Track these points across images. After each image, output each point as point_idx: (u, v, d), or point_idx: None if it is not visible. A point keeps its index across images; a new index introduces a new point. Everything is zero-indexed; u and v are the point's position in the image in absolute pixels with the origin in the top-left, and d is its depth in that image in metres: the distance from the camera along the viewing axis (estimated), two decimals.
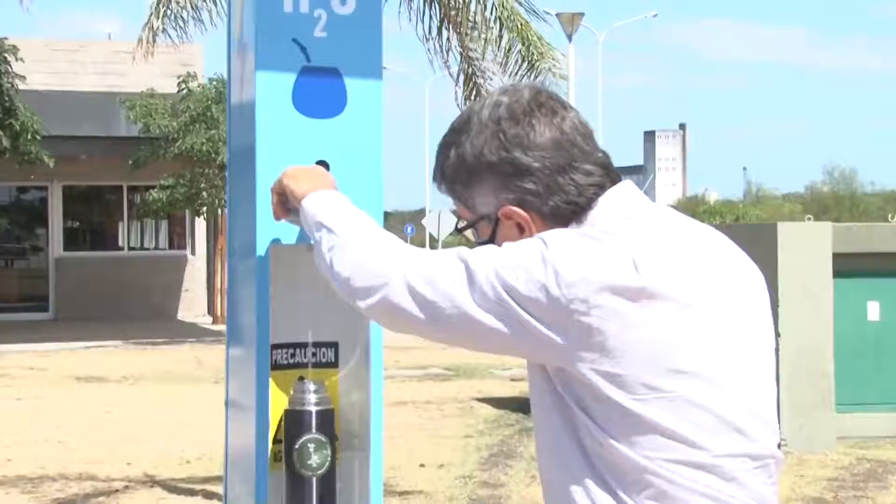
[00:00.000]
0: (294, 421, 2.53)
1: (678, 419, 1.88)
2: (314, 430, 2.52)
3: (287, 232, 2.50)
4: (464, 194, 2.05)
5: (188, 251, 25.84)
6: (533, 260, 1.87)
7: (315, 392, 2.55)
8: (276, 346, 2.61)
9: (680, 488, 1.88)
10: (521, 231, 2.00)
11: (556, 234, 1.92)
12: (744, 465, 1.94)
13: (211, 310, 24.38)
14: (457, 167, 2.04)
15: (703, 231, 2.03)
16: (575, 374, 1.88)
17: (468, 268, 1.91)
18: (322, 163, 2.53)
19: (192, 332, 21.45)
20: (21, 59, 18.02)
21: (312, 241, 2.18)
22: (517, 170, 1.98)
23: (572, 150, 1.98)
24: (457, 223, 2.14)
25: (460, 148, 2.03)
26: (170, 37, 9.89)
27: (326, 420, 2.54)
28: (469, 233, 2.10)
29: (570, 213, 1.98)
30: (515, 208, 1.99)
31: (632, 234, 1.92)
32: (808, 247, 9.46)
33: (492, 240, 2.03)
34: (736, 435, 1.93)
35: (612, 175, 2.02)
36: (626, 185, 2.03)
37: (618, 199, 2.00)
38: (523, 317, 1.87)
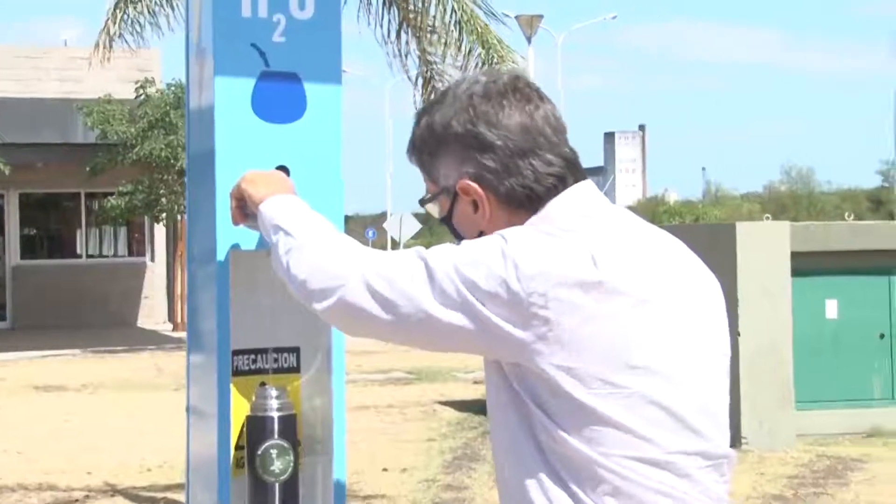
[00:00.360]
0: (256, 427, 2.52)
1: (633, 415, 1.90)
2: (276, 436, 2.51)
3: (247, 238, 2.50)
4: (429, 164, 2.09)
5: (147, 258, 25.69)
6: (493, 255, 1.89)
7: (277, 398, 2.54)
8: (237, 352, 2.60)
9: (634, 484, 1.90)
10: (476, 209, 2.03)
11: (515, 231, 1.95)
12: (696, 463, 1.96)
13: (171, 317, 24.25)
14: (426, 136, 2.08)
15: (659, 234, 2.06)
16: (532, 370, 1.90)
17: (427, 265, 1.93)
18: (282, 168, 2.53)
19: (152, 340, 21.32)
20: None
21: (270, 245, 2.18)
22: (480, 144, 2.01)
23: (538, 138, 2.02)
24: (422, 198, 2.16)
25: (431, 117, 2.07)
26: (126, 42, 9.82)
27: (289, 425, 2.54)
28: (433, 210, 2.13)
29: (525, 197, 2.01)
30: (472, 183, 2.02)
31: (590, 231, 1.95)
32: (766, 246, 9.53)
33: (450, 216, 2.08)
34: (689, 433, 1.96)
35: (576, 172, 2.04)
36: (587, 185, 2.05)
37: (577, 198, 2.02)
38: (483, 312, 1.88)
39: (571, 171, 2.04)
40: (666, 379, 1.94)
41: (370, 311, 1.95)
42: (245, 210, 2.34)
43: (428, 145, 2.08)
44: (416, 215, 37.44)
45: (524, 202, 2.01)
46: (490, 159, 2.01)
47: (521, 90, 2.05)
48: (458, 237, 2.08)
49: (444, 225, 2.13)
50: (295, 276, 2.05)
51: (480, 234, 2.04)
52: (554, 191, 2.01)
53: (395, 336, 2.00)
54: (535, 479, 1.92)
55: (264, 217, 2.21)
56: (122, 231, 26.06)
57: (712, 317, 2.04)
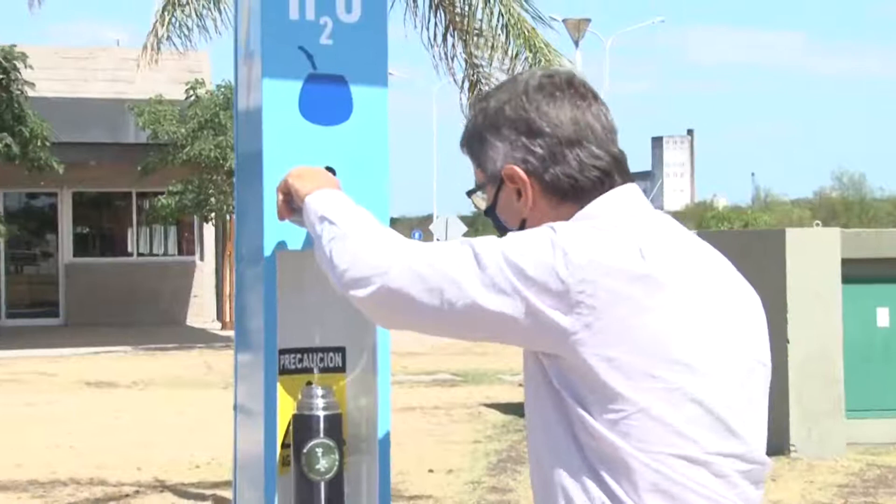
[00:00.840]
0: (302, 425, 2.54)
1: (674, 410, 1.90)
2: (322, 435, 2.52)
3: (294, 238, 2.52)
4: (479, 150, 2.12)
5: (197, 257, 25.88)
6: (542, 244, 1.91)
7: (323, 397, 2.55)
8: (283, 351, 2.62)
9: (673, 482, 1.90)
10: (519, 197, 2.06)
11: (563, 224, 1.96)
12: (734, 466, 1.96)
13: (220, 315, 24.41)
14: (479, 121, 2.11)
15: (700, 242, 2.07)
16: (573, 363, 1.90)
17: (475, 252, 1.94)
18: (329, 169, 2.54)
19: (201, 338, 21.49)
20: (30, 67, 18.07)
21: (314, 238, 2.19)
22: (529, 129, 2.04)
23: (587, 132, 2.04)
24: (470, 190, 2.19)
25: (486, 103, 2.12)
26: (174, 45, 9.90)
27: (334, 424, 2.55)
28: (479, 202, 2.16)
29: (569, 187, 2.03)
30: (518, 168, 2.05)
31: (636, 227, 1.97)
32: (816, 252, 9.44)
33: (494, 205, 2.10)
34: (728, 434, 1.95)
35: (622, 172, 2.06)
36: (632, 188, 2.07)
37: (621, 199, 2.04)
38: (530, 299, 1.89)
39: (618, 170, 2.05)
40: (707, 377, 1.93)
41: (414, 297, 1.95)
42: (291, 205, 2.35)
43: (479, 130, 2.11)
44: (462, 218, 37.48)
45: (568, 193, 2.03)
46: (538, 145, 2.04)
47: (576, 87, 2.08)
48: (502, 230, 2.10)
49: (488, 217, 2.15)
50: (337, 264, 2.05)
51: (523, 223, 2.06)
52: (599, 185, 2.03)
53: (438, 325, 2.00)
54: (574, 477, 1.93)
55: (309, 209, 2.23)
56: (172, 230, 26.27)
57: (752, 325, 2.05)
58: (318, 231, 2.16)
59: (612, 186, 2.03)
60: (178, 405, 12.78)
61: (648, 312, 1.89)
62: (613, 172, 2.04)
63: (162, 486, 8.41)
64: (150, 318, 24.16)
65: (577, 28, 25.41)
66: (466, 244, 1.96)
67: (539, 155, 2.04)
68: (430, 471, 8.85)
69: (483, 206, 2.15)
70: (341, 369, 2.70)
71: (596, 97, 2.09)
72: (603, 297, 1.87)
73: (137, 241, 26.27)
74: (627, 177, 2.07)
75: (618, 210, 2.01)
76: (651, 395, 1.89)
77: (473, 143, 2.13)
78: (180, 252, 26.33)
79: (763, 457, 2.02)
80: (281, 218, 2.41)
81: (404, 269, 1.96)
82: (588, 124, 2.05)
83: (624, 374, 1.88)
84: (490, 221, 2.17)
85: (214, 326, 24.01)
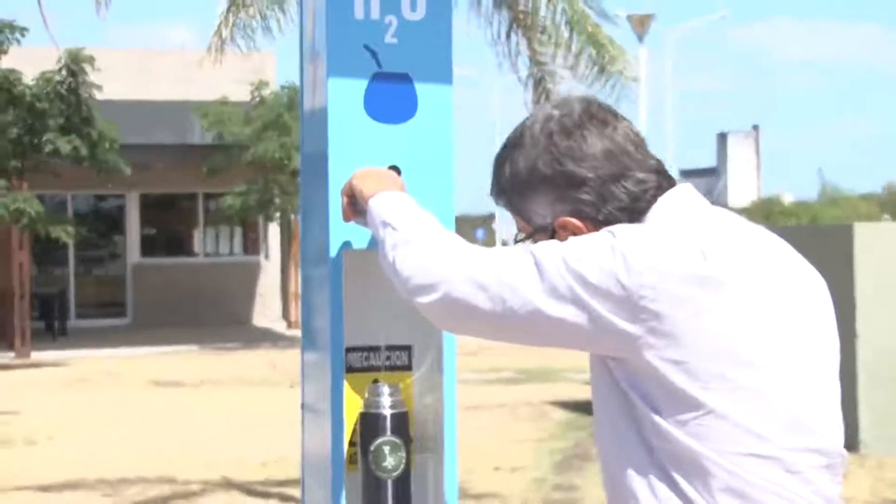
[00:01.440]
0: (369, 424, 2.54)
1: (745, 409, 1.89)
2: (389, 433, 2.53)
3: (359, 237, 2.52)
4: (520, 207, 2.10)
5: (262, 257, 26.08)
6: (602, 249, 1.90)
7: (390, 395, 2.56)
8: (350, 350, 2.62)
9: (745, 481, 1.88)
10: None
11: (623, 227, 1.95)
12: (809, 461, 1.94)
13: (285, 314, 24.60)
14: (512, 182, 2.09)
15: (764, 232, 2.05)
16: (640, 365, 1.89)
17: (536, 259, 1.93)
18: (394, 168, 2.54)
19: (267, 337, 21.66)
20: (98, 69, 18.29)
21: (377, 242, 2.19)
22: (571, 181, 2.02)
23: (624, 159, 2.03)
24: (515, 236, 2.17)
25: (515, 163, 2.08)
26: (238, 46, 9.97)
27: (401, 423, 2.55)
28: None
29: (626, 218, 2.02)
30: (570, 218, 2.03)
31: (696, 226, 1.96)
32: (885, 247, 9.31)
33: None
34: (801, 429, 1.94)
35: (667, 179, 2.06)
36: (686, 188, 2.06)
37: (677, 200, 2.03)
38: (592, 305, 1.88)
39: (663, 181, 2.05)
40: (776, 374, 1.92)
41: (476, 304, 1.95)
42: (356, 206, 2.35)
43: (516, 190, 2.09)
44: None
45: (626, 221, 2.01)
46: (584, 192, 2.02)
47: (596, 115, 2.05)
48: None
49: None
50: (400, 271, 2.06)
51: None
52: (652, 202, 2.02)
53: (499, 331, 2.00)
54: (644, 478, 1.92)
55: (372, 212, 2.22)
56: (238, 231, 26.51)
57: (820, 315, 2.03)
58: (381, 236, 2.16)
59: (662, 192, 2.03)
60: (244, 404, 12.89)
61: (712, 313, 1.88)
62: (662, 185, 2.04)
63: (229, 484, 8.49)
64: (216, 317, 24.39)
65: (640, 24, 25.29)
66: (527, 251, 1.96)
67: (588, 201, 2.02)
68: (496, 468, 8.84)
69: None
70: (408, 367, 2.70)
71: (616, 115, 2.08)
72: (665, 301, 1.86)
73: (204, 241, 26.52)
74: (672, 181, 2.07)
75: (675, 211, 2.01)
76: (720, 396, 1.88)
77: (512, 199, 2.11)
78: (246, 252, 26.55)
79: (839, 448, 1.99)
80: (346, 219, 2.42)
81: (466, 277, 1.96)
82: (622, 150, 2.03)
83: (692, 376, 1.87)
84: None
85: (280, 326, 24.19)
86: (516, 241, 2.16)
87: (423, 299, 2.01)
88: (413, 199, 2.26)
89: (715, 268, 1.90)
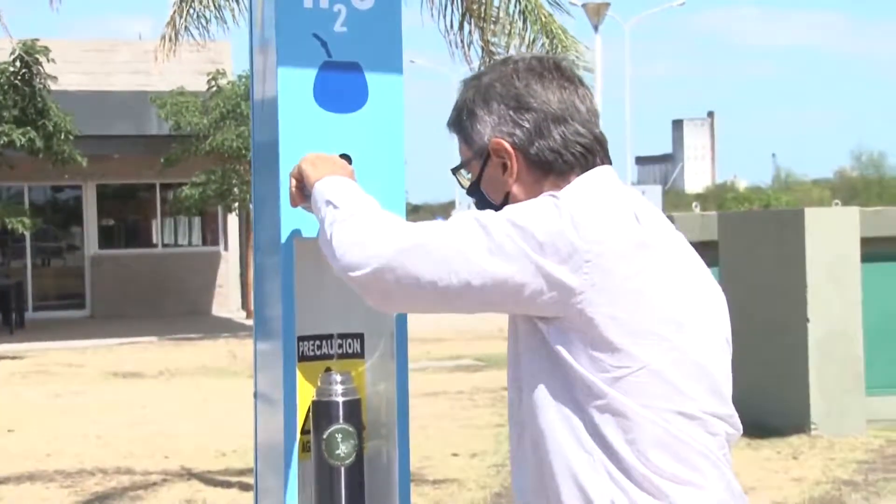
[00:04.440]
0: (321, 411, 2.54)
1: (675, 369, 1.96)
2: (342, 421, 2.53)
3: (311, 226, 2.51)
4: (468, 125, 2.17)
5: (221, 247, 25.95)
6: (547, 209, 1.97)
7: (342, 383, 2.56)
8: (302, 338, 2.62)
9: (673, 437, 1.95)
10: (504, 171, 2.12)
11: (563, 192, 2.03)
12: (724, 427, 2.03)
13: (244, 305, 24.48)
14: (469, 97, 2.18)
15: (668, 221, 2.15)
16: (577, 323, 1.94)
17: (481, 223, 1.98)
18: (345, 156, 2.54)
19: (227, 327, 21.56)
20: (52, 60, 18.10)
21: (318, 221, 2.18)
22: (518, 104, 2.12)
23: (571, 111, 2.12)
24: (455, 166, 2.24)
25: (479, 81, 2.18)
26: (192, 35, 9.89)
27: (353, 410, 2.56)
28: (462, 179, 2.22)
29: (553, 161, 2.09)
30: (504, 141, 2.11)
31: (624, 195, 2.05)
32: (835, 232, 9.39)
33: (479, 180, 2.16)
34: (718, 396, 2.03)
35: (603, 153, 2.14)
36: (608, 169, 2.14)
37: (601, 176, 2.11)
38: (540, 261, 1.93)
39: (600, 150, 2.13)
40: (699, 339, 2.01)
41: (418, 274, 1.96)
42: (304, 192, 2.34)
43: (470, 105, 2.17)
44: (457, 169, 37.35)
45: (551, 167, 2.10)
46: (525, 120, 2.11)
47: (563, 70, 2.16)
48: (484, 204, 2.15)
49: (470, 196, 2.20)
50: (336, 246, 2.05)
51: (506, 197, 2.12)
52: (581, 162, 2.10)
53: (444, 298, 1.98)
54: (573, 436, 1.96)
55: (316, 194, 2.22)
56: (197, 221, 26.34)
57: (718, 303, 2.11)
58: (322, 215, 2.16)
59: (592, 165, 2.11)
60: (204, 394, 12.83)
61: (647, 273, 1.97)
62: (595, 152, 2.12)
63: (188, 474, 8.45)
64: (176, 308, 24.26)
65: (596, 13, 25.28)
66: (470, 217, 2.00)
67: (525, 129, 2.11)
68: (455, 455, 8.86)
69: (467, 183, 2.21)
70: (360, 355, 2.70)
71: (581, 82, 2.18)
72: (608, 258, 1.94)
73: (162, 232, 26.35)
74: (608, 159, 2.15)
75: (602, 183, 2.08)
76: (654, 353, 1.95)
77: (463, 118, 2.18)
78: (204, 242, 26.40)
79: (740, 425, 2.08)
80: (293, 204, 2.41)
81: (408, 247, 1.97)
82: (574, 105, 2.12)
83: (627, 331, 1.94)
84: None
85: (239, 316, 24.08)
86: (452, 170, 2.24)
87: (355, 273, 2.00)
88: (362, 186, 2.25)
89: (647, 232, 2.00)
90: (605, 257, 1.93)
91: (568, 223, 1.94)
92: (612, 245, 1.94)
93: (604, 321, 1.93)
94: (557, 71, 2.15)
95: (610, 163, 2.16)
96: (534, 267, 1.93)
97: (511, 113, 2.12)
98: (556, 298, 1.94)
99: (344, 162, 2.41)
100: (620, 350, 1.93)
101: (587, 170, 2.10)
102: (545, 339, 1.98)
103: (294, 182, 2.38)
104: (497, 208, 2.08)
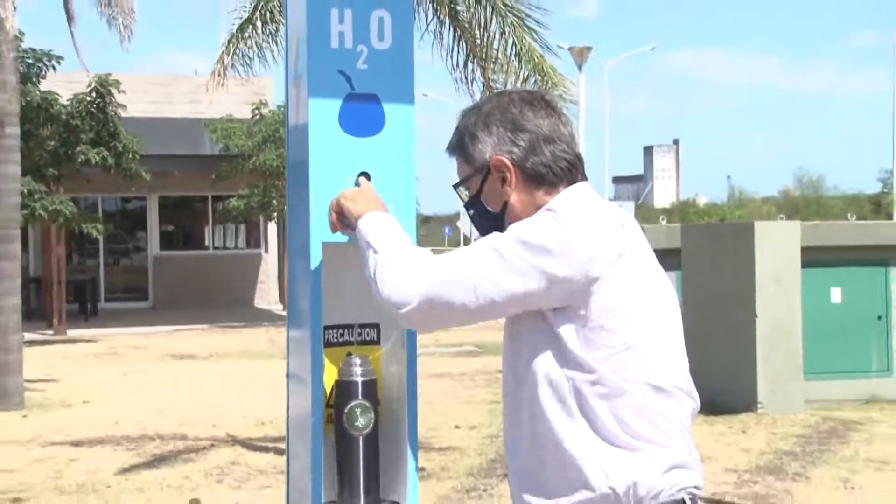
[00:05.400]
0: (343, 390, 2.53)
1: (654, 348, 2.01)
2: (360, 397, 2.51)
3: (335, 234, 2.50)
4: (469, 146, 2.19)
5: (262, 249, 25.96)
6: (549, 224, 2.01)
7: (361, 365, 2.54)
8: (327, 328, 2.61)
9: (650, 408, 1.98)
10: (503, 183, 2.14)
11: (557, 206, 2.06)
12: (690, 404, 2.06)
13: (281, 298, 24.47)
14: (469, 123, 2.20)
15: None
16: (579, 310, 1.98)
17: (494, 248, 2.01)
18: (364, 174, 2.53)
19: (266, 317, 21.56)
20: (123, 92, 18.15)
21: (363, 256, 2.21)
22: (514, 127, 2.15)
23: (558, 132, 2.17)
24: (455, 186, 2.26)
25: (479, 109, 2.21)
26: (238, 72, 9.91)
27: (370, 389, 2.54)
28: (462, 194, 2.22)
29: (543, 174, 2.12)
30: (504, 158, 2.14)
31: (607, 206, 2.10)
32: (780, 242, 9.37)
33: (479, 193, 2.18)
34: (685, 374, 2.07)
35: (581, 167, 2.17)
36: (586, 185, 2.17)
37: (584, 189, 2.15)
38: (548, 270, 1.97)
39: (580, 166, 2.17)
40: (667, 326, 2.05)
41: (454, 299, 2.00)
42: (345, 221, 2.36)
43: (472, 129, 2.19)
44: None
45: (543, 179, 2.13)
46: (521, 139, 2.14)
47: (548, 102, 2.21)
48: (483, 214, 2.18)
49: (468, 209, 2.22)
50: (381, 290, 2.10)
51: (505, 206, 2.14)
52: (567, 175, 2.14)
53: (473, 316, 2.04)
54: (563, 406, 1.98)
55: (361, 232, 2.26)
56: (242, 228, 26.36)
57: (673, 297, 2.14)
58: (365, 254, 2.20)
59: (575, 179, 2.15)
60: (247, 373, 12.82)
61: (630, 271, 2.01)
62: (577, 167, 2.16)
63: (233, 441, 8.44)
64: (224, 300, 24.26)
65: (580, 55, 25.17)
66: (484, 244, 2.03)
67: (522, 147, 2.14)
68: (457, 427, 8.83)
69: (466, 198, 2.22)
70: (376, 342, 2.69)
71: (562, 112, 2.23)
72: (603, 259, 1.98)
73: (213, 236, 26.36)
74: (584, 176, 2.18)
75: (586, 195, 2.12)
76: (635, 335, 1.98)
77: (465, 140, 2.20)
78: (248, 246, 26.41)
79: (698, 399, 2.11)
80: (334, 230, 2.42)
81: (440, 279, 2.02)
82: (559, 128, 2.17)
83: (616, 318, 1.97)
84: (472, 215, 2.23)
85: (277, 307, 24.08)
86: (454, 186, 2.25)
87: (402, 311, 2.06)
88: (391, 217, 2.28)
89: (629, 236, 2.04)
90: (600, 259, 1.98)
91: (569, 233, 1.98)
92: (606, 249, 1.99)
93: (599, 309, 1.97)
94: (544, 101, 2.20)
95: (586, 179, 2.19)
96: (545, 276, 1.97)
97: (509, 134, 2.15)
98: (562, 294, 1.98)
99: (376, 195, 2.39)
100: (610, 332, 1.97)
101: (571, 183, 2.14)
102: (548, 323, 2.01)
103: (334, 215, 2.39)
104: (496, 216, 2.14)
